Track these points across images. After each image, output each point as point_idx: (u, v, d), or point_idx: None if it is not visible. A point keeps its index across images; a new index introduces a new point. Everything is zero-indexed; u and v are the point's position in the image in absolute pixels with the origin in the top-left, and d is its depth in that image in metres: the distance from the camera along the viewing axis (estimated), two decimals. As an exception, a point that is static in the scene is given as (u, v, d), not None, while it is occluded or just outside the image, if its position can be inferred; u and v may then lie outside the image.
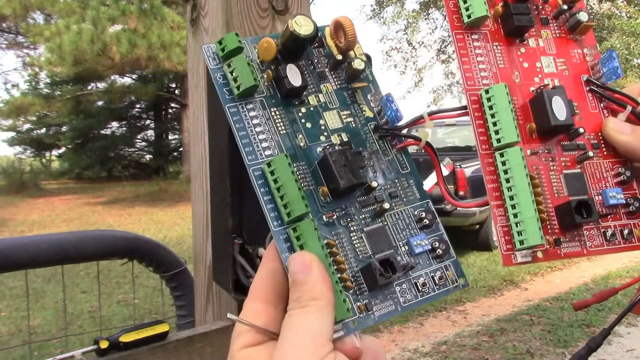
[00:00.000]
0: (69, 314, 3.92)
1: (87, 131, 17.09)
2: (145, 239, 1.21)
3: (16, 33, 16.32)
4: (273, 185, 0.35)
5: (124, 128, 18.99)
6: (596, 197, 0.40)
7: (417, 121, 0.40)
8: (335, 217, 0.38)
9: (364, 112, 0.41)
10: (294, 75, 0.38)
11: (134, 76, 16.48)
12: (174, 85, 17.03)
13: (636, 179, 0.42)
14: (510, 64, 0.42)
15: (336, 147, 0.38)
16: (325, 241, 0.36)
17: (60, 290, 4.25)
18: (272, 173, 0.35)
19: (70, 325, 3.62)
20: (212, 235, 0.74)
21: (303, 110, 0.40)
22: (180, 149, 16.54)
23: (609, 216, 0.40)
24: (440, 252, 0.39)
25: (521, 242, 0.36)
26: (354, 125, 0.41)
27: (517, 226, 0.36)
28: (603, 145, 0.42)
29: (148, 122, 19.49)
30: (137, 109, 19.05)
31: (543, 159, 0.40)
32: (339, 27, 0.40)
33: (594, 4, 13.84)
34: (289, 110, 0.39)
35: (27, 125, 18.27)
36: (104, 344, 0.67)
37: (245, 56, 0.37)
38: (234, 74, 0.37)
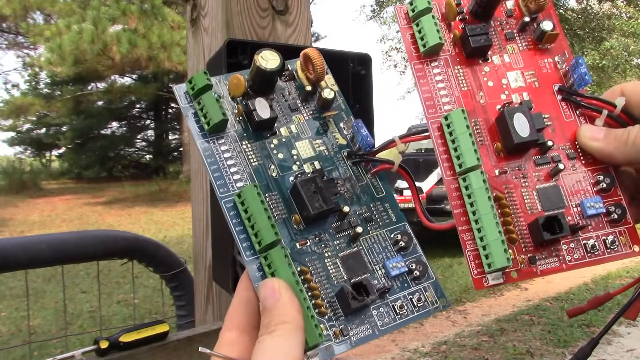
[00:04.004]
0: (69, 314, 3.92)
1: (87, 131, 17.07)
2: (145, 239, 1.21)
3: (16, 33, 16.32)
4: (244, 215, 0.35)
5: (124, 128, 18.98)
6: (574, 209, 0.39)
7: (388, 145, 0.40)
8: (308, 244, 0.38)
9: (336, 140, 0.42)
10: (262, 108, 0.39)
11: (134, 76, 16.47)
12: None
13: (620, 183, 0.40)
14: (475, 85, 0.41)
15: (307, 175, 0.38)
16: (298, 268, 0.36)
17: (60, 290, 4.26)
18: (242, 203, 0.35)
19: (70, 325, 3.62)
20: (212, 235, 0.74)
21: (275, 141, 0.40)
22: (180, 149, 16.55)
23: (590, 227, 0.39)
24: (418, 273, 0.39)
25: (489, 265, 0.36)
26: (326, 153, 0.41)
27: (484, 249, 0.36)
28: (580, 154, 0.41)
29: (148, 122, 19.49)
30: (137, 109, 19.04)
31: (514, 177, 0.40)
32: (307, 59, 0.41)
33: (594, 4, 13.84)
34: (261, 142, 0.40)
35: (27, 125, 18.26)
36: (104, 344, 0.67)
37: (214, 92, 0.38)
38: (203, 110, 0.38)
